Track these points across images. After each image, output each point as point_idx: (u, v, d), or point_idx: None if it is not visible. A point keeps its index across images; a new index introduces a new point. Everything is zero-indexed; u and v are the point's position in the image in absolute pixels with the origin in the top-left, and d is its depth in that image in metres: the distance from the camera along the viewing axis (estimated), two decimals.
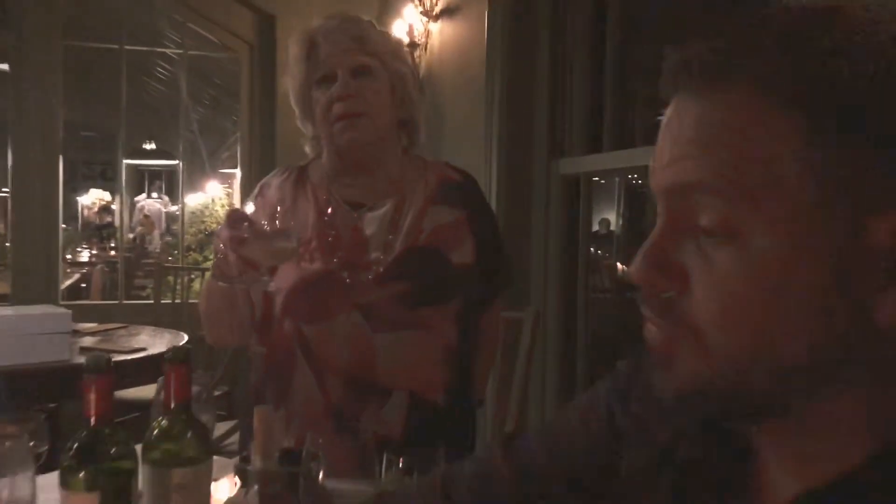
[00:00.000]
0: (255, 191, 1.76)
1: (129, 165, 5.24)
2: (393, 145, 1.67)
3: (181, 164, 5.28)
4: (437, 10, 3.52)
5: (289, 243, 1.39)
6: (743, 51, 0.54)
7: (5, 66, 4.72)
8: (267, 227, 1.39)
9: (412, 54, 3.59)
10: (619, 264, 6.64)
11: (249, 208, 1.58)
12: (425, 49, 3.60)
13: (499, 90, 2.94)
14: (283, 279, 1.59)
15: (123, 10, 4.81)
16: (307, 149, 1.77)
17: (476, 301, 1.68)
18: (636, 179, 8.01)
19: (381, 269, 1.57)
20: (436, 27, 3.54)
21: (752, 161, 0.52)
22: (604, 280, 5.40)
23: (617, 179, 6.03)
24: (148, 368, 2.62)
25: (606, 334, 3.95)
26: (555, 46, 2.89)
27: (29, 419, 1.21)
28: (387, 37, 1.68)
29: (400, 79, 1.64)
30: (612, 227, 7.84)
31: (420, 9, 3.57)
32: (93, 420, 0.91)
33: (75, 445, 0.91)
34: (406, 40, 3.60)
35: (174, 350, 0.98)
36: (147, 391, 3.17)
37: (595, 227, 7.09)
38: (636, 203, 7.89)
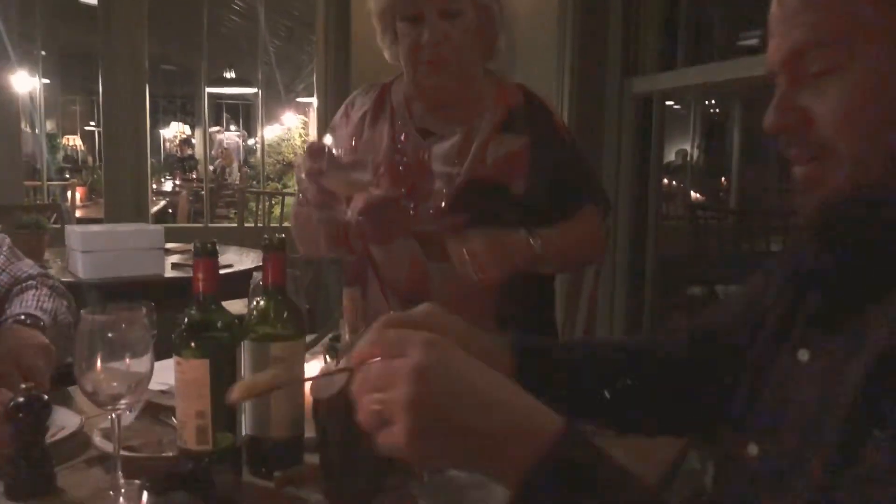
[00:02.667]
0: (341, 109, 1.81)
1: (208, 97, 5.38)
2: (474, 76, 1.66)
3: (260, 92, 5.41)
4: None
5: (364, 175, 1.45)
6: None
7: (94, 1, 4.89)
8: (344, 159, 1.46)
9: None
10: (692, 192, 6.56)
11: (328, 140, 1.61)
12: None
13: (571, 6, 2.91)
14: (355, 201, 1.67)
15: None
16: (386, 55, 1.74)
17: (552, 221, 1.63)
18: (714, 108, 7.79)
19: (442, 202, 1.61)
20: None
21: (849, 15, 0.68)
22: (677, 208, 5.36)
23: (692, 105, 5.91)
24: (234, 284, 2.78)
25: (675, 260, 3.96)
26: None
27: (141, 307, 1.35)
28: None
29: (487, 12, 1.60)
30: (689, 158, 7.70)
31: None
32: (201, 297, 1.02)
33: (186, 319, 1.02)
34: None
35: (271, 238, 1.08)
36: (233, 306, 3.35)
37: (671, 158, 6.99)
38: (713, 133, 7.71)
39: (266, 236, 1.09)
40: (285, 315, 1.09)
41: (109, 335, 1.01)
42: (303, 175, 1.47)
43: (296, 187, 1.63)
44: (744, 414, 0.81)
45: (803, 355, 0.75)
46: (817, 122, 0.71)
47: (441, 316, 0.89)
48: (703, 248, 4.18)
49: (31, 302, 1.48)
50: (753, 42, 5.82)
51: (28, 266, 1.62)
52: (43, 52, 5.80)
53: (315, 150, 1.46)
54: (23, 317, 1.42)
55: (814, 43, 0.70)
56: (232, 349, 1.04)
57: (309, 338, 2.92)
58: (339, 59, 4.58)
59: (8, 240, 1.62)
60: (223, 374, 1.02)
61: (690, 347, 0.99)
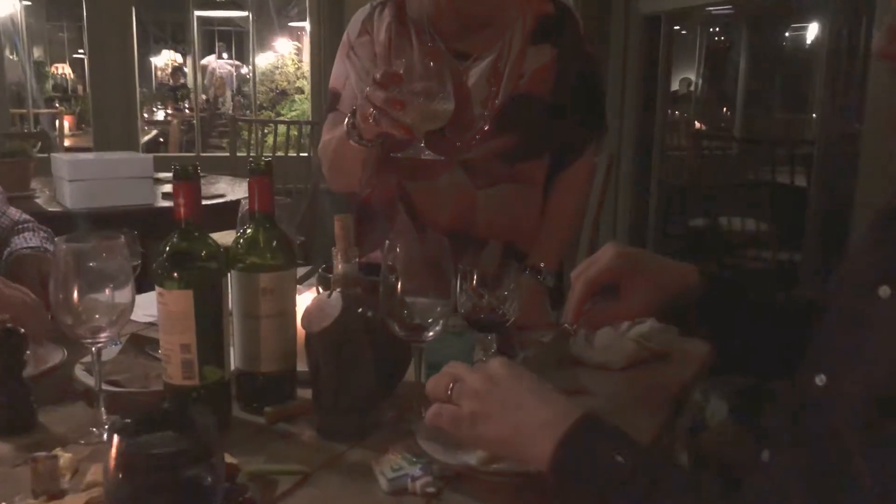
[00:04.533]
0: (357, 27, 1.63)
1: (199, 20, 5.21)
2: None
3: (250, 15, 5.24)
4: None
5: (448, 105, 1.26)
6: None
7: None
8: (416, 85, 1.24)
9: None
10: (697, 122, 6.44)
11: (400, 69, 1.29)
12: None
13: None
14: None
15: None
16: None
17: (570, 145, 1.62)
18: (718, 35, 7.62)
19: (485, 125, 1.53)
20: None
21: None
22: (680, 137, 5.26)
23: (698, 30, 5.75)
24: (226, 213, 2.71)
25: (679, 187, 3.89)
26: None
27: (122, 235, 1.28)
28: None
29: None
30: (691, 88, 7.55)
31: None
32: (183, 223, 0.95)
33: (168, 247, 0.96)
34: None
35: (256, 161, 1.01)
36: (226, 238, 3.29)
37: (675, 87, 6.85)
38: (717, 61, 7.55)
39: (251, 159, 1.02)
40: (274, 244, 1.03)
41: (88, 265, 0.95)
42: (370, 109, 1.27)
43: (345, 121, 1.42)
44: (818, 349, 0.78)
45: (884, 292, 0.71)
46: None
47: (631, 254, 1.03)
48: (707, 177, 4.10)
49: (33, 240, 1.49)
50: None
51: (17, 213, 1.61)
52: None
53: (392, 78, 1.24)
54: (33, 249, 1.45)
55: None
56: (217, 279, 0.97)
57: (303, 270, 2.88)
58: None
59: None
60: (208, 306, 0.96)
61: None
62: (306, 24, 4.92)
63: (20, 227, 1.56)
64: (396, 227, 1.63)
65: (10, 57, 6.39)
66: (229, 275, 1.01)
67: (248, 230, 1.04)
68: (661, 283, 1.02)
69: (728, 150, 4.71)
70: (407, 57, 1.43)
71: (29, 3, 5.90)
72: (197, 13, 5.17)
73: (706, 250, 3.64)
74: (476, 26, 1.56)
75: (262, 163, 1.03)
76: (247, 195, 1.07)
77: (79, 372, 1.11)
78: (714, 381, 1.89)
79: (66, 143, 5.81)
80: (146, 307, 1.34)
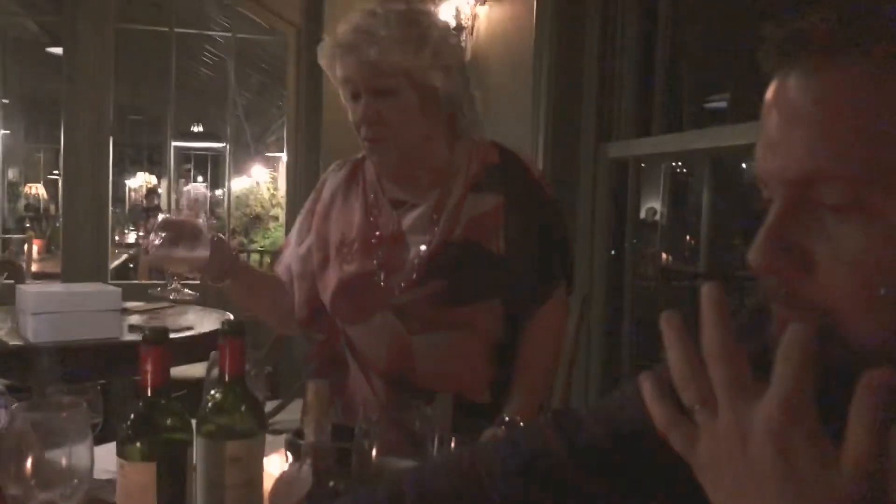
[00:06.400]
0: (317, 186, 1.75)
1: (175, 149, 5.30)
2: (434, 143, 1.57)
3: (228, 147, 5.34)
4: None
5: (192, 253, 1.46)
6: (864, 20, 0.51)
7: (59, 50, 4.81)
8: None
9: (458, 37, 3.57)
10: (663, 254, 6.57)
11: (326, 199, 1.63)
12: (472, 33, 3.57)
13: (546, 73, 2.91)
14: (328, 281, 1.60)
15: None
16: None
17: (528, 293, 1.56)
18: (681, 168, 7.89)
19: (416, 268, 1.53)
20: (483, 10, 3.51)
21: (882, 138, 0.49)
22: (647, 268, 5.34)
23: (663, 166, 5.95)
24: (195, 347, 2.66)
25: (651, 322, 3.90)
26: (605, 29, 2.85)
27: (85, 391, 1.24)
28: (414, 41, 1.47)
29: (431, 90, 1.50)
30: (657, 216, 7.75)
31: None
32: (149, 391, 0.92)
33: (132, 416, 0.92)
34: (453, 23, 3.58)
35: (230, 323, 0.99)
36: (194, 370, 3.22)
37: (642, 215, 7.02)
38: (680, 192, 7.79)
39: (223, 321, 0.99)
40: (242, 409, 0.99)
41: (45, 431, 0.91)
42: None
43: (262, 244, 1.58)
44: None
45: None
46: (819, 279, 0.53)
47: None
48: (677, 309, 4.14)
49: None
50: (722, 104, 5.93)
51: None
52: (6, 101, 5.68)
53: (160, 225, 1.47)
54: None
55: (835, 173, 0.51)
56: (182, 449, 0.93)
57: (270, 406, 2.81)
58: (310, 114, 4.53)
59: None
60: (171, 478, 0.91)
61: None
62: (283, 155, 5.02)
63: None
64: (350, 372, 1.62)
65: None
66: (195, 441, 0.97)
67: (217, 394, 1.00)
68: None
69: (694, 282, 4.79)
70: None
71: (8, 131, 5.97)
72: (174, 143, 5.25)
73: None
74: (414, 180, 1.59)
75: (234, 323, 1.00)
76: (215, 327, 1.05)
77: None
78: None
79: (35, 267, 5.74)
80: (106, 462, 1.27)
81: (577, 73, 2.90)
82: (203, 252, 1.46)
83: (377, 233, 1.58)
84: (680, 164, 7.60)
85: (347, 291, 1.57)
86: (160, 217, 1.52)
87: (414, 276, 1.53)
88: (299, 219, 1.74)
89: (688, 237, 7.63)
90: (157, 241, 1.45)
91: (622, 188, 2.90)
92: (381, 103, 1.48)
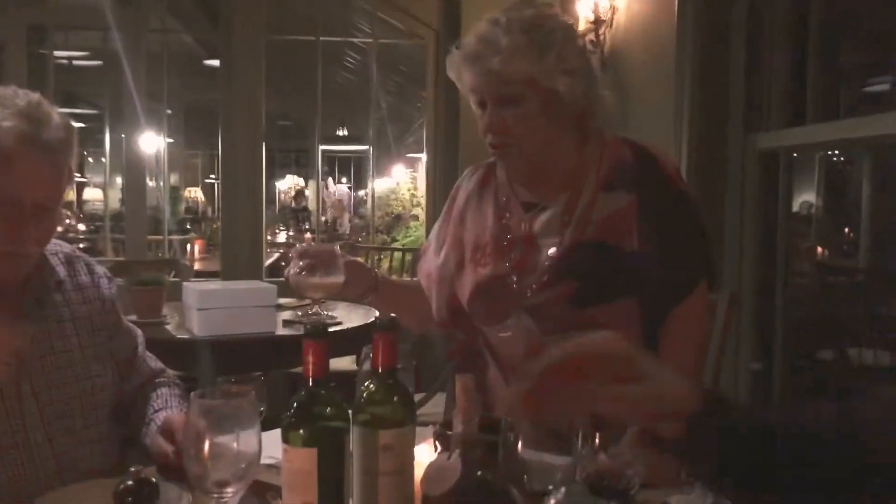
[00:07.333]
0: (451, 193, 1.79)
1: (322, 152, 5.54)
2: (562, 147, 1.56)
3: (371, 149, 5.51)
4: None
5: (328, 279, 1.58)
6: None
7: (216, 63, 5.13)
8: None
9: (596, 32, 3.53)
10: (819, 248, 6.21)
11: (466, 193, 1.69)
12: (611, 25, 3.52)
13: (690, 63, 2.82)
14: (464, 284, 1.63)
15: (319, 4, 5.08)
16: None
17: (665, 294, 1.52)
18: (838, 156, 7.43)
19: (547, 270, 1.53)
20: (622, 2, 3.45)
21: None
22: (802, 264, 5.07)
23: (817, 156, 5.61)
24: (343, 342, 2.77)
25: (805, 321, 3.71)
26: (753, 11, 2.73)
27: (250, 381, 1.33)
28: (538, 47, 1.47)
29: (555, 95, 1.49)
30: (812, 210, 7.32)
31: None
32: (311, 381, 0.98)
33: (295, 404, 0.98)
34: (591, 17, 3.54)
35: (383, 319, 1.03)
36: (342, 363, 3.36)
37: (794, 209, 6.66)
38: (837, 183, 7.32)
39: (377, 316, 1.04)
40: (395, 399, 1.04)
41: (218, 417, 0.98)
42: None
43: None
44: None
45: None
46: None
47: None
48: (833, 308, 3.92)
49: (173, 402, 1.55)
50: (885, 87, 5.51)
51: (153, 360, 1.68)
52: (169, 111, 6.12)
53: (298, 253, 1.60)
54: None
55: None
56: (341, 437, 0.99)
57: (417, 397, 2.89)
58: (448, 115, 4.61)
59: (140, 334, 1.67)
60: (331, 464, 0.97)
61: None
62: (423, 155, 5.14)
63: (157, 380, 1.62)
64: (489, 372, 1.65)
65: (150, 183, 6.95)
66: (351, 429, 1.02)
67: (371, 385, 1.05)
68: None
69: (854, 279, 4.50)
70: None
71: (172, 140, 6.46)
72: (321, 147, 5.48)
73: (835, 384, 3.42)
74: (545, 182, 1.59)
75: (386, 320, 1.05)
76: (362, 322, 1.10)
77: None
78: None
79: (196, 265, 6.17)
80: (267, 448, 1.36)
81: (722, 61, 2.79)
82: (338, 278, 1.56)
83: (509, 236, 1.60)
84: (837, 153, 7.15)
85: (482, 294, 1.59)
86: (297, 247, 1.66)
87: (545, 277, 1.53)
88: (437, 225, 1.79)
89: (847, 230, 7.17)
90: (293, 270, 1.56)
91: (773, 181, 2.77)
92: (506, 111, 1.49)
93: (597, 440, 1.05)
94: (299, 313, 3.17)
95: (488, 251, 1.60)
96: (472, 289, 1.61)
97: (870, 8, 3.59)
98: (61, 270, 1.48)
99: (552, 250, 1.54)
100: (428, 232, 1.87)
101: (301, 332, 1.00)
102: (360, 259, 1.76)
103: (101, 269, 1.58)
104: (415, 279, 1.81)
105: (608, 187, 1.54)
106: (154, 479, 1.04)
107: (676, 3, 2.91)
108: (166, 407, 1.51)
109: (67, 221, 8.44)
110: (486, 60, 1.47)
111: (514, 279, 1.56)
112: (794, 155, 2.94)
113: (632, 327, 1.52)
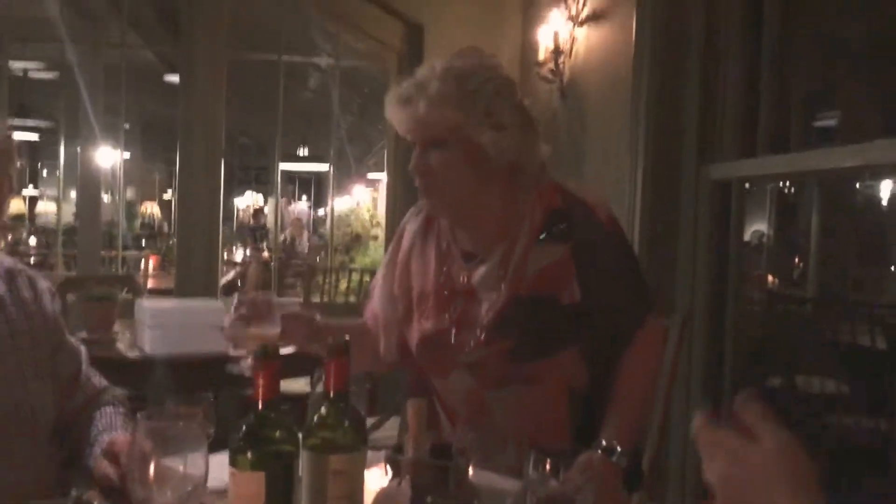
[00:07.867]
0: (395, 237, 1.76)
1: (282, 170, 5.52)
2: (488, 198, 1.54)
3: (331, 168, 5.51)
4: (583, 15, 3.49)
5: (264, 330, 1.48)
6: None
7: (175, 78, 5.09)
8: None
9: (556, 61, 3.59)
10: (769, 276, 6.35)
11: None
12: (570, 55, 3.58)
13: (646, 93, 2.88)
14: (412, 333, 1.63)
15: (281, 24, 5.08)
16: None
17: (613, 339, 1.53)
18: (788, 188, 7.62)
19: (485, 326, 1.52)
20: (582, 32, 3.51)
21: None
22: (752, 292, 5.18)
23: (769, 188, 5.76)
24: (297, 363, 2.75)
25: (755, 348, 3.78)
26: (707, 47, 2.80)
27: (199, 402, 1.31)
28: (465, 98, 1.47)
29: (479, 147, 1.48)
30: (764, 239, 7.49)
31: (566, 14, 3.56)
32: (260, 404, 0.97)
33: (244, 427, 0.97)
34: (551, 46, 3.60)
35: (335, 342, 1.03)
36: (296, 385, 3.32)
37: (746, 238, 6.81)
38: (787, 212, 7.50)
39: (330, 339, 1.04)
40: (346, 424, 1.04)
41: (164, 439, 0.97)
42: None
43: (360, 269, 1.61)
44: None
45: None
46: None
47: None
48: (783, 335, 4.00)
49: (117, 420, 1.49)
50: (831, 123, 5.67)
51: (98, 379, 1.61)
52: (126, 126, 6.05)
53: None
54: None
55: None
56: (289, 461, 0.98)
57: (370, 421, 2.86)
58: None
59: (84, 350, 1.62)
60: (279, 488, 0.96)
61: None
62: (383, 175, 5.15)
63: (101, 398, 1.56)
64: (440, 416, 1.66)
65: (105, 198, 6.84)
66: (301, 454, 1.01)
67: (322, 409, 1.05)
68: None
69: (803, 307, 4.61)
70: None
71: (129, 154, 6.39)
72: (282, 165, 5.46)
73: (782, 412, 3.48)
74: (479, 229, 1.58)
75: (340, 342, 1.05)
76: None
77: None
78: None
79: (150, 282, 6.07)
80: (215, 471, 1.34)
81: (677, 93, 2.86)
82: (274, 329, 1.48)
83: (449, 288, 1.59)
84: (787, 183, 7.33)
85: (427, 347, 1.59)
86: (235, 296, 1.56)
87: (483, 335, 1.52)
88: (382, 268, 1.75)
89: (796, 260, 7.34)
90: (228, 320, 1.51)
91: (726, 211, 2.82)
92: (431, 156, 1.50)
93: (547, 465, 1.06)
94: None
95: (430, 303, 1.59)
96: (417, 341, 1.61)
97: (818, 47, 3.71)
98: (0, 285, 1.43)
99: (488, 306, 1.53)
100: (385, 252, 1.85)
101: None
102: (300, 309, 1.70)
103: (44, 284, 1.52)
104: (360, 320, 1.78)
105: (543, 238, 1.53)
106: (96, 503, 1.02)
107: (634, 35, 2.98)
108: (110, 427, 1.45)
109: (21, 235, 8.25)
110: (414, 104, 1.49)
111: (453, 334, 1.55)
112: (746, 185, 3.01)
113: (574, 376, 1.54)
